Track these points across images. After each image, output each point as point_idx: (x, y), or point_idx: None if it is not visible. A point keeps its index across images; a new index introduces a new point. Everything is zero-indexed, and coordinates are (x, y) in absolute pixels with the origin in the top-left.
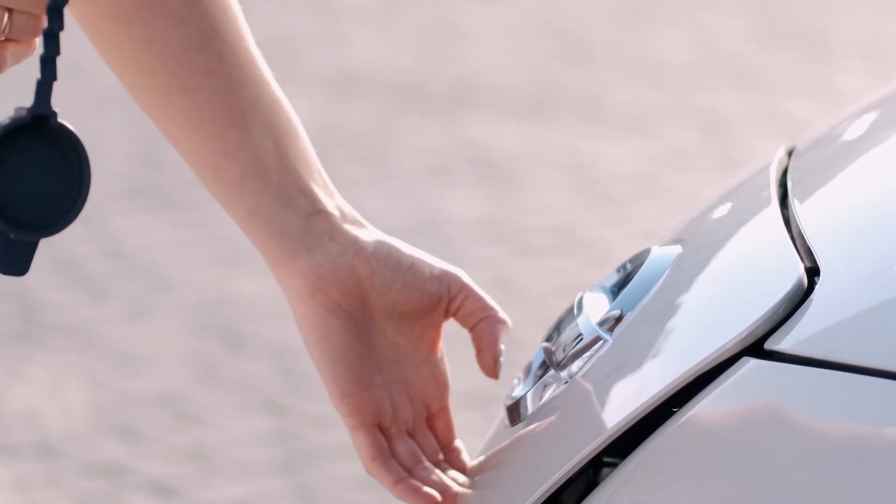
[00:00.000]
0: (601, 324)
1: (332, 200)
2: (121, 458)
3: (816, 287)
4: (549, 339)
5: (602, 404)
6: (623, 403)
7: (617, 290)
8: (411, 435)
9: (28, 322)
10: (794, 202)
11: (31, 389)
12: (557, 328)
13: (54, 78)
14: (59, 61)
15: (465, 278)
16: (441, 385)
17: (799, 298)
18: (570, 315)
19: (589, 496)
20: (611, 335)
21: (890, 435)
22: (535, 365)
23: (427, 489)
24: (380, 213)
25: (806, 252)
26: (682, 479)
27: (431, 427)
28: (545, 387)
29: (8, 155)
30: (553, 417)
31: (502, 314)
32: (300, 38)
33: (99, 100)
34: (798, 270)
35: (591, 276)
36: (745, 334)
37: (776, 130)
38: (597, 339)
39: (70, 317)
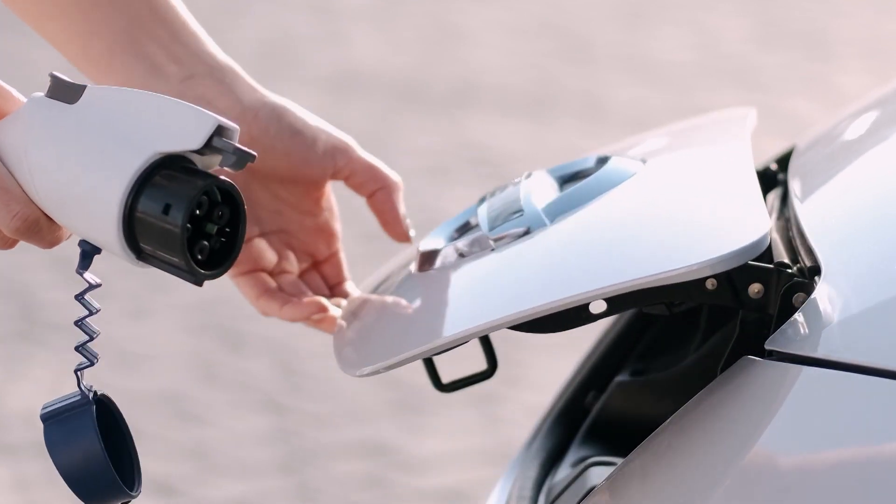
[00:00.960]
0: (545, 210)
1: (210, 65)
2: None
3: (817, 287)
4: (483, 200)
5: (518, 284)
6: (540, 291)
7: (567, 181)
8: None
9: (28, 321)
10: (794, 201)
11: (31, 389)
12: (497, 194)
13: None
14: (59, 60)
15: (354, 152)
16: (328, 234)
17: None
18: (514, 189)
19: (589, 496)
20: (551, 223)
21: (890, 434)
22: (462, 221)
23: (312, 299)
24: None
25: (806, 251)
26: (682, 479)
27: (320, 271)
28: (469, 246)
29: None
30: (463, 279)
31: (394, 176)
32: (300, 38)
33: None
34: (760, 230)
35: None
36: (684, 263)
37: (776, 130)
38: (536, 222)
39: (70, 316)
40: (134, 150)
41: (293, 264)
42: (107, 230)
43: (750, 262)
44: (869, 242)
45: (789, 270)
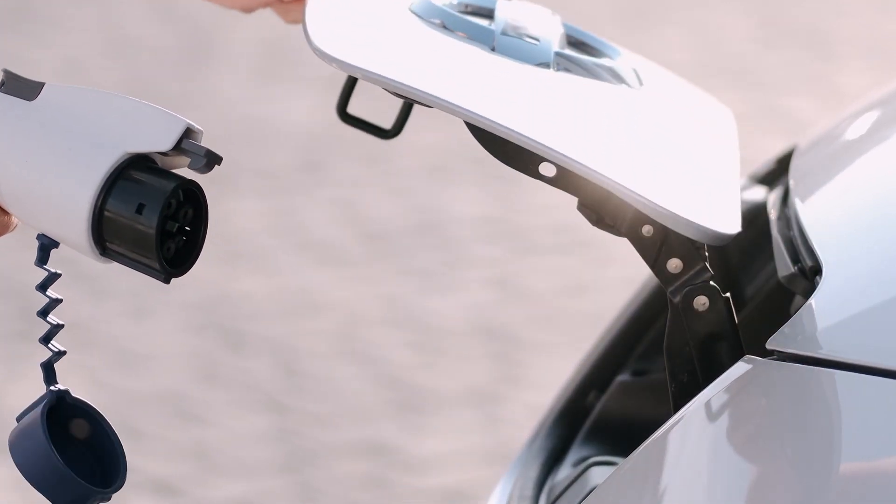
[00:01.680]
0: (557, 53)
1: None
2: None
3: (817, 287)
4: None
5: (500, 94)
6: (511, 114)
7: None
8: None
9: (28, 321)
10: (795, 201)
11: (31, 388)
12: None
13: (56, 358)
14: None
15: None
16: None
17: None
18: (537, 11)
19: (589, 495)
20: (555, 70)
21: (890, 434)
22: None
23: None
24: (381, 212)
25: (807, 251)
26: (683, 479)
27: None
28: (473, 25)
29: (57, 434)
30: (459, 54)
31: None
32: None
33: None
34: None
35: (593, 274)
36: None
37: (777, 129)
38: (545, 57)
39: (70, 315)
40: (103, 151)
41: None
42: (74, 228)
43: (695, 244)
44: (869, 242)
45: (711, 279)
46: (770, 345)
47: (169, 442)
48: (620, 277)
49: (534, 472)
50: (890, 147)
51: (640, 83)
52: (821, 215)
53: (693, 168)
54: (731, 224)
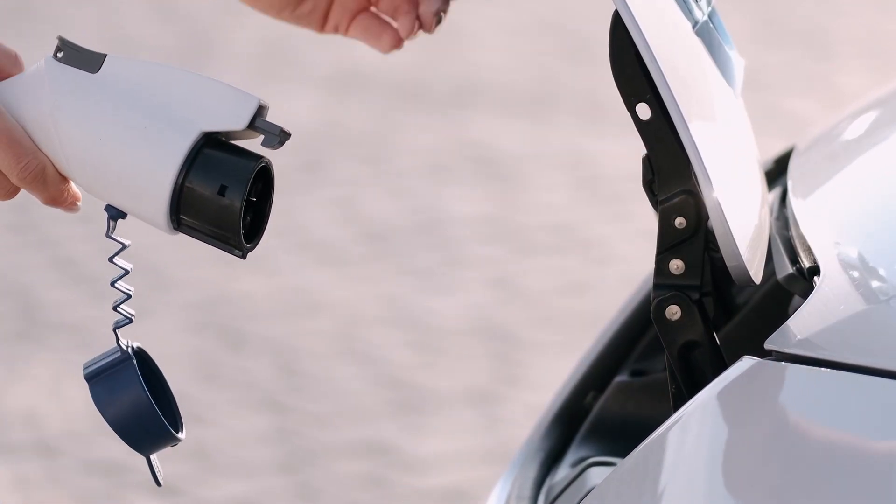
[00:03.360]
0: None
1: None
2: (121, 457)
3: (816, 287)
4: None
5: None
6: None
7: None
8: None
9: (28, 321)
10: (793, 201)
11: (31, 388)
12: None
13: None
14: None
15: None
16: None
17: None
18: None
19: (588, 496)
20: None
21: (890, 434)
22: None
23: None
24: (380, 212)
25: (805, 251)
26: (682, 479)
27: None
28: None
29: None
30: None
31: None
32: (300, 38)
33: None
34: None
35: (592, 274)
36: None
37: (777, 129)
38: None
39: (70, 316)
40: (180, 130)
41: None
42: (152, 205)
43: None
44: (867, 243)
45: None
46: (768, 345)
47: None
48: (620, 277)
49: (532, 472)
50: (889, 147)
51: (738, 93)
52: (819, 216)
53: (755, 200)
54: (758, 273)
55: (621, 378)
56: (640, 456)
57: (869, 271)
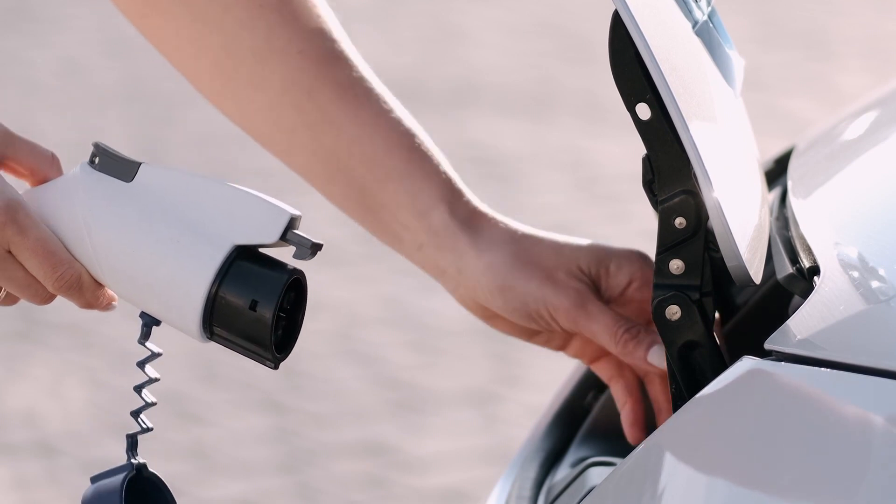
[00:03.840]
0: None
1: (433, 231)
2: (121, 457)
3: (816, 287)
4: None
5: None
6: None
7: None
8: None
9: (28, 321)
10: (793, 201)
11: (30, 388)
12: None
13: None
14: (59, 60)
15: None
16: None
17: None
18: None
19: (588, 496)
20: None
21: (890, 434)
22: None
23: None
24: None
25: (805, 251)
26: (682, 479)
27: None
28: None
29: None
30: None
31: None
32: None
33: (99, 99)
34: None
35: None
36: None
37: (776, 129)
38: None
39: (70, 315)
40: (213, 242)
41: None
42: (186, 316)
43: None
44: (868, 243)
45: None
46: (769, 345)
47: (168, 442)
48: None
49: (532, 472)
50: (889, 147)
51: (738, 93)
52: (819, 216)
53: (755, 200)
54: (758, 273)
55: None
56: (640, 456)
57: (869, 271)
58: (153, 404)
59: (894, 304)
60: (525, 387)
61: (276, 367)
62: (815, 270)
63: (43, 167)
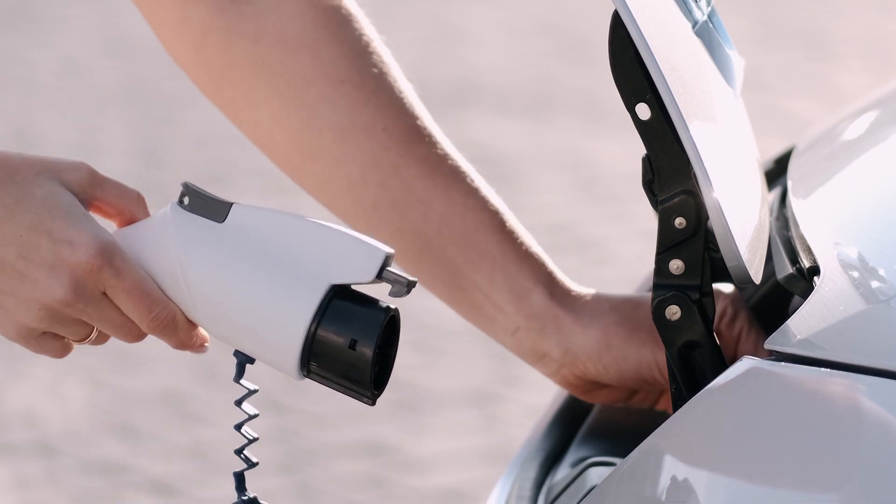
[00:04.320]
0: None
1: (530, 313)
2: (121, 457)
3: (816, 287)
4: None
5: None
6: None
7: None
8: None
9: None
10: (793, 201)
11: (31, 388)
12: None
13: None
14: (59, 60)
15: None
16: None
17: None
18: None
19: (588, 496)
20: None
21: (890, 434)
22: None
23: None
24: None
25: (805, 251)
26: (682, 479)
27: None
28: None
29: None
30: None
31: None
32: None
33: (99, 99)
34: None
35: (592, 274)
36: None
37: (776, 129)
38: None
39: None
40: (310, 283)
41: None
42: (283, 356)
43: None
44: (868, 243)
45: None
46: (768, 345)
47: (168, 442)
48: (619, 278)
49: (532, 472)
50: (889, 147)
51: (738, 93)
52: (819, 216)
53: (755, 200)
54: (758, 273)
55: None
56: (640, 456)
57: (869, 271)
58: (256, 440)
59: (894, 304)
60: (525, 387)
61: (373, 404)
62: (815, 270)
63: (130, 207)
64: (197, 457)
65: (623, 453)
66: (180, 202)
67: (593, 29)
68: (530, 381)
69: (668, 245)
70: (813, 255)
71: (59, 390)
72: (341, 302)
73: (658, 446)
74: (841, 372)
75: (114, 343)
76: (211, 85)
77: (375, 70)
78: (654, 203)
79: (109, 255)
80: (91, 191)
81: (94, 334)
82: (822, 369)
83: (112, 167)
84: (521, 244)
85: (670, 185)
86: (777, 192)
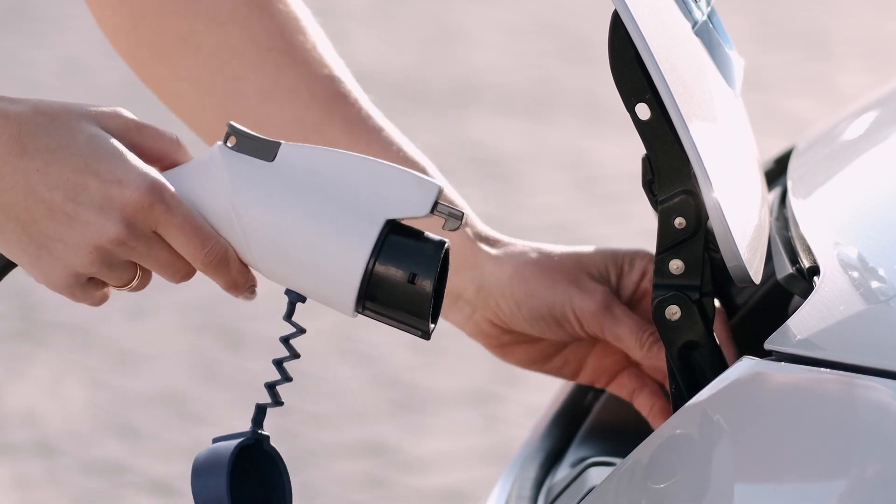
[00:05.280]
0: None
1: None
2: (121, 457)
3: (816, 287)
4: None
5: None
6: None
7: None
8: None
9: (28, 320)
10: (793, 201)
11: (31, 388)
12: None
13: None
14: (59, 60)
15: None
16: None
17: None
18: None
19: (588, 496)
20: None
21: (890, 434)
22: None
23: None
24: None
25: (805, 251)
26: (682, 479)
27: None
28: None
29: (238, 470)
30: None
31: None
32: None
33: (99, 99)
34: None
35: None
36: None
37: (776, 129)
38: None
39: (70, 315)
40: (365, 218)
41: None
42: (340, 293)
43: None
44: (867, 243)
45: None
46: (768, 345)
47: (168, 442)
48: None
49: (532, 472)
50: (889, 147)
51: (738, 93)
52: (819, 216)
53: (755, 200)
54: (758, 273)
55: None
56: (640, 456)
57: (869, 271)
58: (290, 379)
59: (894, 304)
60: (525, 387)
61: (428, 338)
62: (815, 270)
63: (171, 152)
64: None
65: (623, 453)
66: (226, 143)
67: (593, 29)
68: (530, 381)
69: (667, 245)
70: (813, 255)
71: (59, 390)
72: (398, 237)
73: (658, 446)
74: (841, 372)
75: (114, 343)
76: (141, 64)
77: (303, 39)
78: (654, 203)
79: (159, 192)
80: (131, 136)
81: (135, 281)
82: (822, 369)
83: None
84: None
85: (670, 185)
86: (777, 192)
